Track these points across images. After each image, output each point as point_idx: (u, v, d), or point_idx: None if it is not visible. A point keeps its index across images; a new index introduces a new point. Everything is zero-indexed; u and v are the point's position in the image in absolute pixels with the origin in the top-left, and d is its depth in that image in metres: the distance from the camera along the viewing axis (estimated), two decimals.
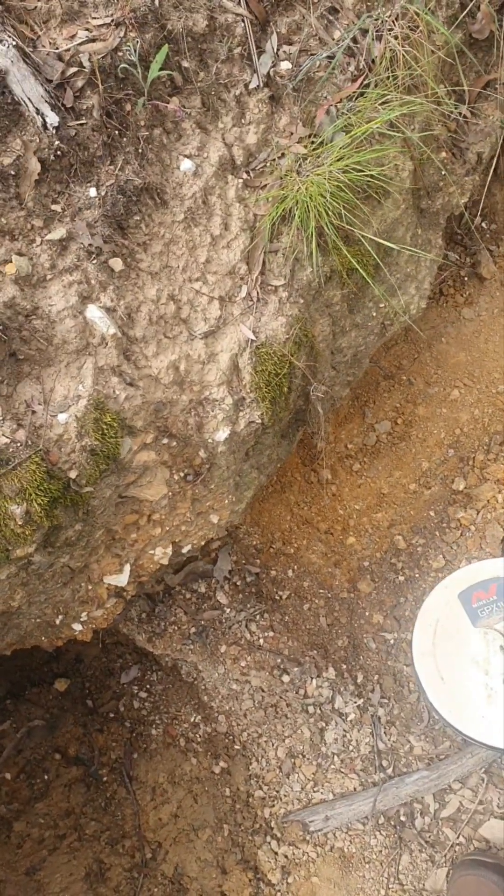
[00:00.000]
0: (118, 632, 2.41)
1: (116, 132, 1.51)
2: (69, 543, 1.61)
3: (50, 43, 1.44)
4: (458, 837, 2.15)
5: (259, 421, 1.74)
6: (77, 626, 1.96)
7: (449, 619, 2.15)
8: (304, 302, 1.81)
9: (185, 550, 2.02)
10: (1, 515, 1.40)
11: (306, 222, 1.70)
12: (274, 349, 1.73)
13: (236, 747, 2.35)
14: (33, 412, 1.45)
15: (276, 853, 2.18)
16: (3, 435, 1.40)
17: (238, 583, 2.40)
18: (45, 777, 2.48)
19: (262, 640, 2.31)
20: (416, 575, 2.51)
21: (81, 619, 1.95)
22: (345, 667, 2.35)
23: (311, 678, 2.30)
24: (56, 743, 2.54)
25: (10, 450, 1.41)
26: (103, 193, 1.50)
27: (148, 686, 2.55)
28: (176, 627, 2.34)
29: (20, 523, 1.42)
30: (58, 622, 1.90)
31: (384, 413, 2.75)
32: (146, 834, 2.32)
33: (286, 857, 2.17)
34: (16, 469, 1.40)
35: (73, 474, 1.48)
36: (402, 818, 2.19)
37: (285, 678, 2.29)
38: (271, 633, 2.32)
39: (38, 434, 1.44)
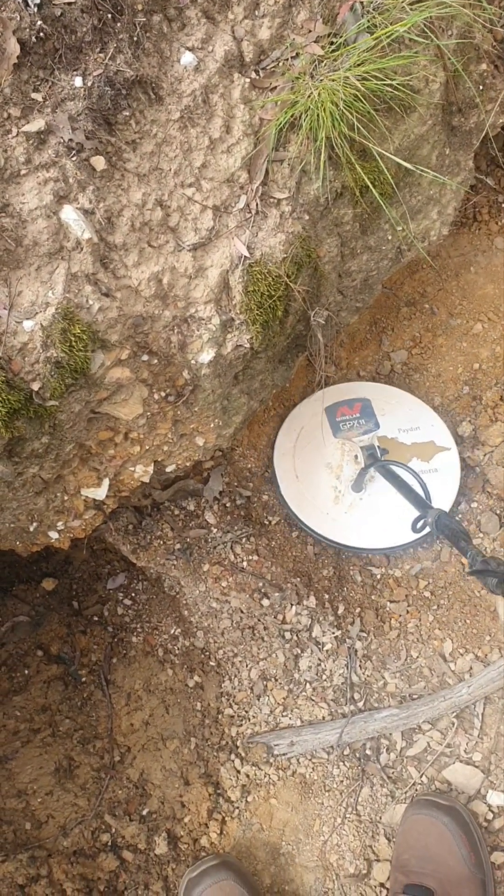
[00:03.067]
0: (105, 539, 2.40)
1: (109, 16, 1.37)
2: (37, 455, 1.56)
3: None
4: (420, 777, 2.15)
5: (248, 345, 1.65)
6: (53, 534, 1.94)
7: (313, 428, 2.37)
8: (309, 219, 1.68)
9: (168, 470, 1.96)
10: None
11: (316, 132, 1.56)
12: (269, 269, 1.62)
13: (211, 664, 2.35)
14: None
15: (238, 772, 2.21)
16: None
17: (228, 504, 2.35)
18: (26, 672, 2.52)
19: (245, 563, 2.28)
20: None
21: (58, 528, 1.93)
22: (327, 597, 2.32)
23: (291, 605, 2.27)
24: (39, 640, 2.57)
25: None
26: (90, 84, 1.38)
27: (133, 594, 2.55)
28: (161, 542, 2.31)
29: None
30: (32, 529, 1.88)
31: (402, 342, 2.62)
32: (117, 737, 2.36)
33: (248, 776, 2.20)
34: None
35: (35, 386, 1.42)
36: (368, 752, 2.19)
37: (265, 602, 2.26)
38: (256, 557, 2.29)
39: (1, 340, 1.37)
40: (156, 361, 1.62)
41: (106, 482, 1.88)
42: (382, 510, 2.35)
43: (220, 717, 2.30)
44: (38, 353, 1.40)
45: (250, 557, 2.29)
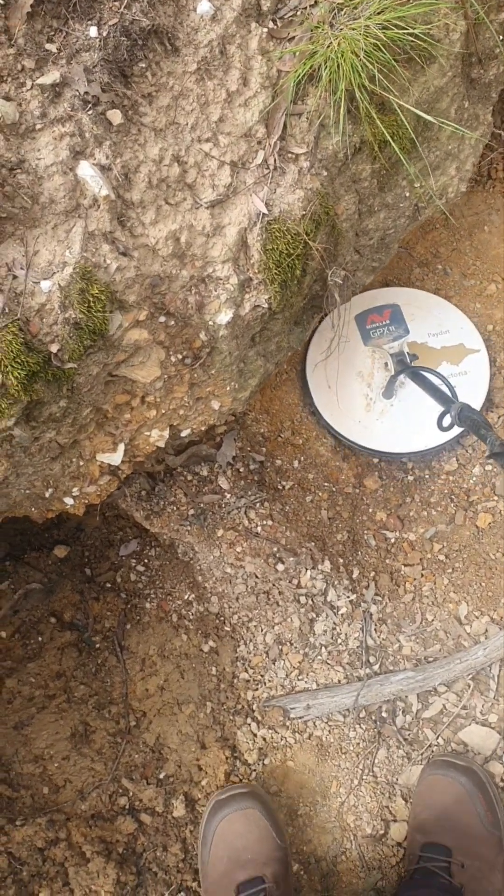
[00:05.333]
0: (118, 506, 2.38)
1: None
2: (54, 419, 1.54)
3: None
4: (437, 738, 2.16)
5: (266, 306, 1.62)
6: (68, 500, 1.92)
7: (343, 337, 2.36)
8: (327, 175, 1.64)
9: (183, 434, 1.94)
10: None
11: (335, 83, 1.52)
12: (288, 226, 1.58)
13: (226, 629, 2.35)
14: (14, 277, 1.34)
15: (255, 735, 2.21)
16: None
17: (241, 469, 2.33)
18: (40, 639, 2.52)
19: (259, 528, 2.27)
20: (426, 476, 2.43)
21: (73, 494, 1.91)
22: (341, 561, 2.31)
23: (306, 569, 2.27)
24: (52, 607, 2.57)
25: None
26: (105, 34, 1.33)
27: (146, 561, 2.54)
28: (175, 508, 2.30)
29: None
30: (47, 495, 1.86)
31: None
32: (132, 703, 2.37)
33: (264, 739, 2.20)
34: None
35: (54, 348, 1.39)
36: (384, 714, 2.20)
37: (280, 567, 2.25)
38: (270, 522, 2.27)
39: (18, 301, 1.34)
40: (173, 323, 1.59)
41: (121, 447, 1.85)
42: (413, 415, 2.36)
43: (235, 681, 2.30)
44: (56, 314, 1.37)
45: (264, 522, 2.28)
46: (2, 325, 1.31)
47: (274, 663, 2.26)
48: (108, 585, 2.57)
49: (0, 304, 1.31)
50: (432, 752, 2.15)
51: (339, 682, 2.22)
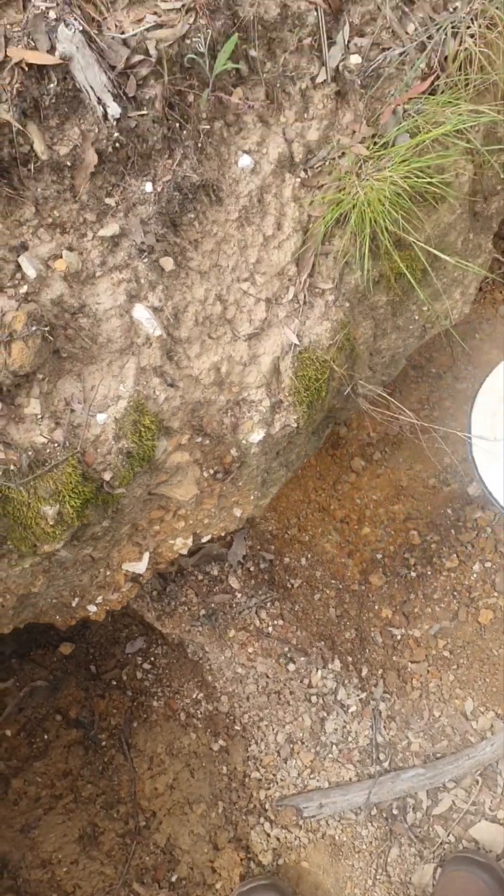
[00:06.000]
0: (126, 605, 2.42)
1: (177, 124, 1.45)
2: (95, 538, 1.61)
3: (116, 26, 1.37)
4: (448, 835, 2.20)
5: (294, 425, 1.71)
6: (92, 608, 1.97)
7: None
8: (349, 305, 1.76)
9: (204, 540, 2.01)
10: (33, 515, 1.39)
11: (361, 227, 1.65)
12: (317, 355, 1.69)
13: (236, 728, 2.38)
14: (72, 411, 1.42)
15: (268, 835, 2.23)
16: (41, 434, 1.37)
17: (251, 568, 2.40)
18: (45, 737, 2.52)
19: (271, 628, 2.33)
20: (428, 572, 2.51)
21: (97, 602, 1.96)
22: (350, 659, 2.37)
23: (317, 669, 2.32)
24: (57, 704, 2.57)
25: (48, 450, 1.39)
26: (159, 189, 1.45)
27: (152, 658, 2.57)
28: (186, 608, 2.35)
29: (51, 524, 1.41)
30: (73, 604, 1.91)
31: (410, 404, 2.71)
32: (141, 802, 2.37)
33: (278, 839, 2.22)
34: (52, 471, 1.38)
35: (107, 476, 1.46)
36: (395, 812, 2.23)
37: (291, 667, 2.30)
38: (281, 622, 2.33)
39: (76, 434, 1.42)
40: (208, 442, 1.68)
41: (146, 556, 1.91)
42: None
43: (247, 780, 2.32)
44: (109, 444, 1.45)
45: (275, 622, 2.34)
46: (62, 458, 1.38)
47: (286, 762, 2.30)
48: (114, 683, 2.59)
49: (61, 438, 1.38)
50: (443, 849, 2.19)
51: (351, 780, 2.26)
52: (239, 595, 2.36)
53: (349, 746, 2.29)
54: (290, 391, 1.69)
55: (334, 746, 2.29)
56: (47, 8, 1.29)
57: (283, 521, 2.50)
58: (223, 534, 2.04)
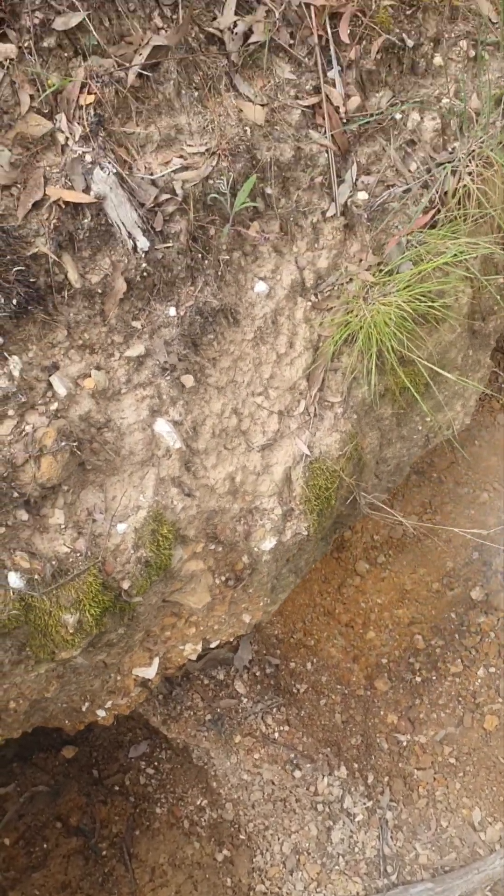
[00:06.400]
0: (133, 709, 2.42)
1: (199, 255, 1.56)
2: (110, 644, 1.64)
3: (145, 168, 1.49)
4: None
5: (305, 532, 1.77)
6: (101, 713, 1.97)
7: None
8: (356, 417, 1.85)
9: (213, 645, 2.03)
10: (54, 623, 1.43)
11: (368, 346, 1.75)
12: (327, 465, 1.76)
13: (241, 837, 2.34)
14: (94, 521, 1.48)
15: None
16: (64, 544, 1.43)
17: (257, 673, 2.41)
18: (45, 846, 2.47)
19: (277, 734, 2.32)
20: (433, 677, 2.52)
21: (106, 707, 1.96)
22: (356, 766, 2.36)
23: (323, 776, 2.30)
24: (58, 811, 2.53)
25: (70, 560, 1.44)
26: (182, 313, 1.55)
27: (156, 763, 2.55)
28: (192, 713, 2.34)
29: (71, 631, 1.45)
30: (83, 708, 1.92)
31: (412, 508, 2.77)
32: None
33: None
34: (74, 580, 1.43)
35: (125, 585, 1.51)
36: None
37: (297, 773, 2.29)
38: (287, 728, 2.33)
39: (97, 543, 1.47)
40: (221, 549, 1.73)
41: (156, 661, 1.94)
42: None
43: (251, 893, 2.27)
44: (129, 553, 1.50)
45: (281, 728, 2.33)
46: (84, 568, 1.43)
47: (291, 874, 2.25)
48: (116, 788, 2.55)
49: (83, 548, 1.44)
50: None
51: (358, 894, 2.21)
52: (245, 700, 2.37)
53: (356, 858, 2.25)
54: (301, 500, 1.76)
55: (341, 857, 2.25)
56: (84, 152, 1.42)
57: (288, 626, 2.53)
58: (231, 639, 2.07)
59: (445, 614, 2.63)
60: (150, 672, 1.95)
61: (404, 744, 2.41)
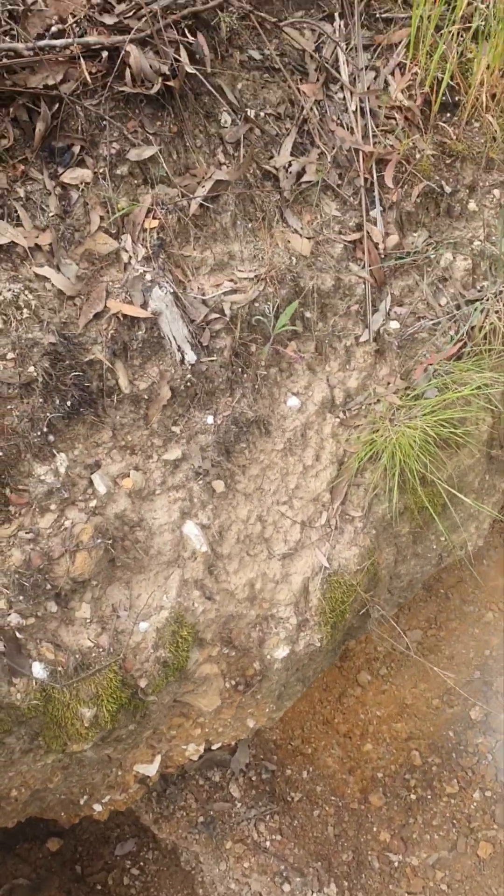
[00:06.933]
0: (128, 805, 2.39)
1: (239, 369, 1.65)
2: (118, 740, 1.65)
3: (198, 288, 1.60)
4: None
5: (318, 644, 1.81)
6: (97, 807, 1.97)
7: None
8: (375, 532, 1.91)
9: (214, 747, 2.04)
10: (70, 716, 1.45)
11: (392, 465, 1.82)
12: (345, 578, 1.81)
13: None
14: (118, 617, 1.53)
15: None
16: (88, 638, 1.47)
17: (253, 777, 2.39)
18: None
19: (268, 843, 2.29)
20: (428, 796, 2.50)
21: (103, 801, 1.96)
22: (346, 884, 2.32)
23: (312, 892, 2.26)
24: None
25: (93, 654, 1.48)
26: (219, 422, 1.63)
27: (141, 864, 2.50)
28: (184, 813, 2.32)
29: (87, 725, 1.47)
30: (81, 801, 1.91)
31: (417, 622, 2.80)
32: None
33: None
34: (95, 674, 1.46)
35: (142, 683, 1.54)
36: None
37: (286, 887, 2.25)
38: (279, 837, 2.30)
39: (119, 640, 1.51)
40: (234, 654, 1.76)
41: (158, 758, 1.94)
42: None
43: None
44: (148, 652, 1.54)
45: (273, 837, 2.30)
46: (105, 663, 1.47)
47: None
48: (99, 887, 2.50)
49: (106, 643, 1.48)
50: None
51: None
52: (239, 805, 2.35)
53: None
54: (317, 611, 1.80)
55: None
56: (144, 271, 1.53)
57: (287, 731, 2.52)
58: (233, 742, 2.07)
59: (444, 732, 2.62)
60: (151, 769, 1.95)
61: (396, 864, 2.37)
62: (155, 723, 1.73)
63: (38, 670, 1.40)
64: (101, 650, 1.49)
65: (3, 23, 1.41)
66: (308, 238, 1.74)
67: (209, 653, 1.69)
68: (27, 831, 2.61)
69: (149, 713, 1.64)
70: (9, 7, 1.42)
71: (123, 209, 1.53)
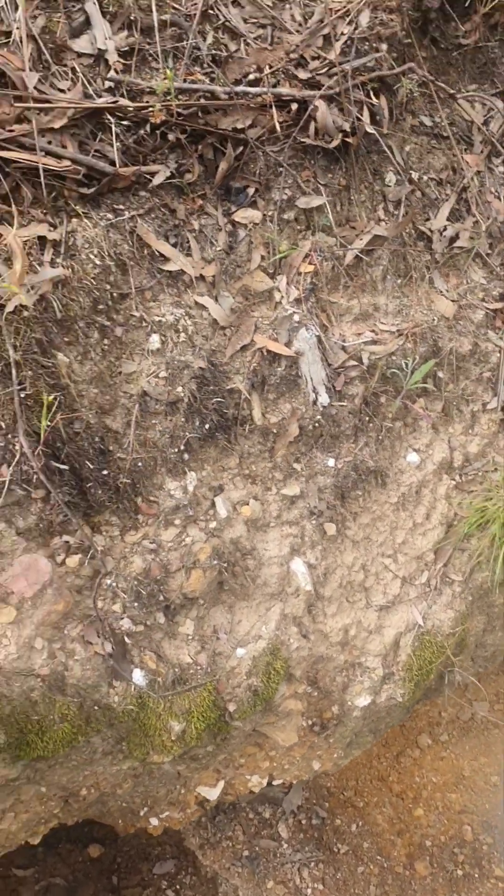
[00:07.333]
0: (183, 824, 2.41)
1: (367, 418, 1.69)
2: (194, 759, 1.69)
3: (340, 334, 1.66)
4: None
5: (400, 699, 1.81)
6: (154, 821, 1.99)
7: None
8: (471, 599, 1.91)
9: (275, 783, 2.05)
10: (160, 727, 1.49)
11: (501, 536, 1.83)
12: (437, 639, 1.82)
13: None
14: (217, 638, 1.57)
15: None
16: (188, 654, 1.51)
17: (303, 821, 2.39)
18: None
19: (310, 891, 2.28)
20: (476, 875, 2.45)
21: (161, 816, 1.98)
22: None
23: None
24: None
25: (191, 671, 1.52)
26: (340, 466, 1.67)
27: (177, 887, 2.51)
28: (230, 843, 2.33)
29: (173, 739, 1.51)
30: (141, 813, 1.94)
31: (487, 693, 2.76)
32: None
33: None
34: (190, 691, 1.50)
35: (231, 707, 1.57)
36: None
37: None
38: (321, 887, 2.28)
39: (216, 662, 1.55)
40: (316, 694, 1.78)
41: (221, 784, 1.96)
42: None
43: None
44: (241, 678, 1.58)
45: (315, 885, 2.29)
46: (202, 682, 1.50)
47: None
48: None
49: (204, 662, 1.52)
50: None
51: None
52: (285, 846, 2.34)
53: None
54: (404, 667, 1.81)
55: None
56: (294, 312, 1.59)
57: (341, 781, 2.51)
58: (294, 781, 2.08)
59: (499, 811, 2.57)
60: (213, 793, 1.98)
61: None
62: (231, 748, 1.75)
63: (139, 677, 1.45)
64: (198, 668, 1.53)
65: (206, 66, 1.50)
66: (452, 301, 1.78)
67: (295, 689, 1.71)
68: (71, 833, 2.64)
69: (229, 737, 1.67)
70: (213, 52, 1.51)
71: (284, 252, 1.59)
